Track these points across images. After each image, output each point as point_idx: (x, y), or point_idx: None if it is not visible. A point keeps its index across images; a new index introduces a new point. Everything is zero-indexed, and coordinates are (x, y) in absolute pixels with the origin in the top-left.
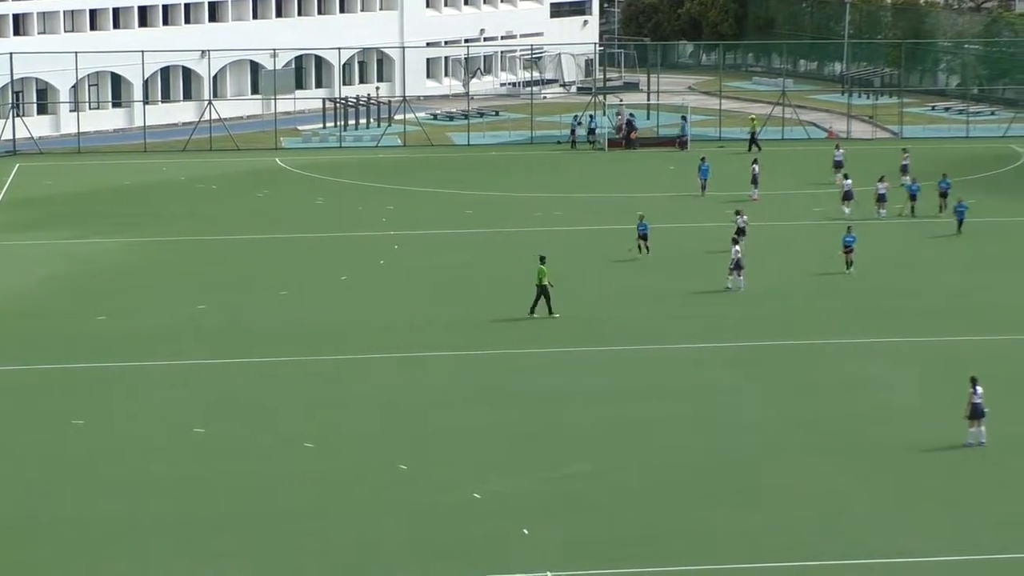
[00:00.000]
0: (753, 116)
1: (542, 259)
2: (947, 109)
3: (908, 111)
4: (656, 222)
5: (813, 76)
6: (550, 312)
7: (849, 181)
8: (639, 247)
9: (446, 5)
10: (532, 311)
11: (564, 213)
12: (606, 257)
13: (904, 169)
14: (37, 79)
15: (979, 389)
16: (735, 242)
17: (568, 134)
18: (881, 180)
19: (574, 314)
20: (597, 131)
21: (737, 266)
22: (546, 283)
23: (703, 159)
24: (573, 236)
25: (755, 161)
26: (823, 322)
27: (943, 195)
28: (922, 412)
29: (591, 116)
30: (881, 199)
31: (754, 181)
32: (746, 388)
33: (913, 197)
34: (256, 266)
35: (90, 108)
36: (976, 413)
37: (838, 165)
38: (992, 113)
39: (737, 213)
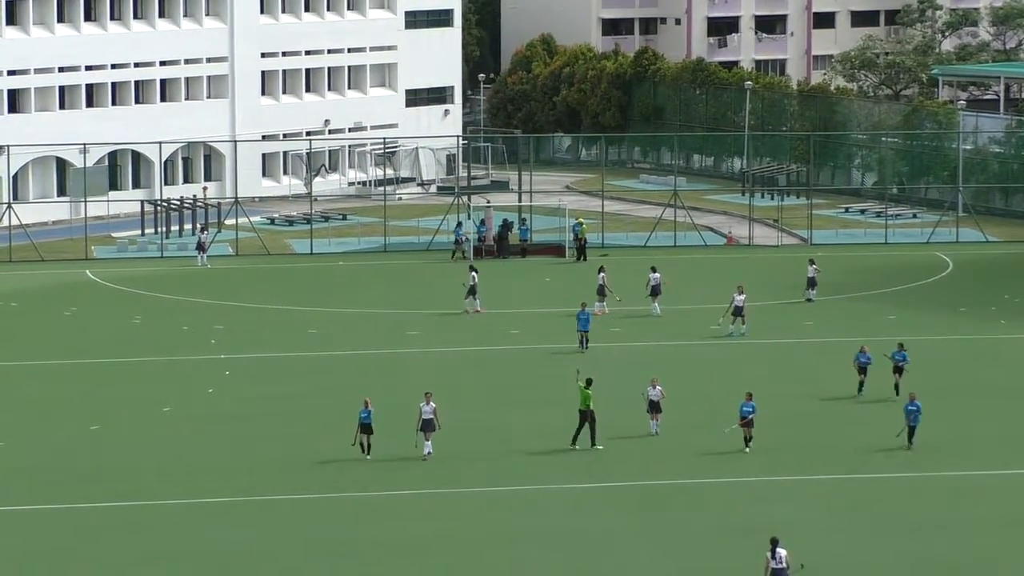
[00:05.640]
0: (579, 218)
1: (588, 382)
2: (863, 211)
3: (818, 214)
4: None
5: (709, 173)
6: (593, 443)
7: (657, 275)
8: (362, 444)
9: (284, 92)
10: (574, 441)
11: (421, 332)
12: (472, 383)
13: (811, 283)
14: None
15: (781, 553)
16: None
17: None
18: (739, 291)
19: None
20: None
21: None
22: (591, 409)
23: (583, 306)
24: (432, 360)
25: (601, 268)
26: (722, 460)
27: (898, 370)
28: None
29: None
30: (738, 312)
31: (600, 292)
32: (633, 536)
33: (863, 371)
34: (64, 396)
35: None
36: None
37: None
38: (914, 216)
39: (652, 384)
